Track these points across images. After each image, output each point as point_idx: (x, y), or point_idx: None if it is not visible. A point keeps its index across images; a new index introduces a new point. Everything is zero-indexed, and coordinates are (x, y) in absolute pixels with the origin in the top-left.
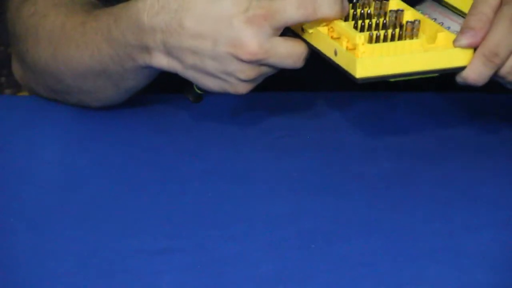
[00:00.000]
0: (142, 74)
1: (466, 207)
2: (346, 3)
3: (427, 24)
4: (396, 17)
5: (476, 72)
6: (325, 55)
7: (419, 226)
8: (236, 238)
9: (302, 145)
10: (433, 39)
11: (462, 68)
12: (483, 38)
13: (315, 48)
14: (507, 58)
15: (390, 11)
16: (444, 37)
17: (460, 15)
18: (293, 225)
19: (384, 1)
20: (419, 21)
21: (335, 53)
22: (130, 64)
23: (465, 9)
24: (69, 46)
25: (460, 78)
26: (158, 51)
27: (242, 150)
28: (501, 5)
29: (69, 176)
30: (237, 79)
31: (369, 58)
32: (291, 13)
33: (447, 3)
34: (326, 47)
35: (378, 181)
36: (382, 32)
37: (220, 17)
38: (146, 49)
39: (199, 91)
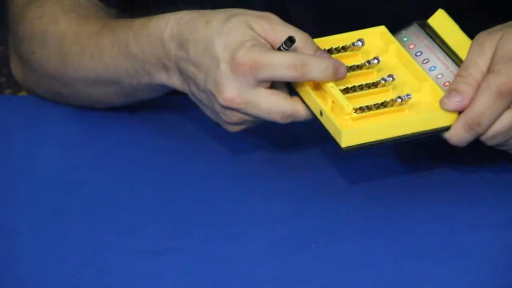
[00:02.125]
0: (157, 89)
1: (466, 207)
2: (342, 69)
3: (412, 69)
4: (385, 83)
5: (458, 136)
6: (310, 109)
7: (419, 226)
8: (236, 238)
9: (302, 145)
10: (418, 86)
11: (446, 128)
12: (469, 103)
13: (302, 99)
14: (488, 127)
15: (382, 78)
16: (429, 88)
17: (445, 51)
18: (293, 225)
19: (374, 63)
20: (410, 96)
21: (321, 114)
22: (146, 79)
23: (448, 40)
24: (82, 54)
25: (443, 137)
26: (173, 72)
27: (242, 150)
28: (488, 70)
29: (69, 176)
30: (223, 120)
31: (355, 129)
32: (279, 71)
33: (431, 28)
34: (311, 103)
35: (378, 181)
36: (370, 102)
37: (213, 57)
38: (164, 68)
39: None
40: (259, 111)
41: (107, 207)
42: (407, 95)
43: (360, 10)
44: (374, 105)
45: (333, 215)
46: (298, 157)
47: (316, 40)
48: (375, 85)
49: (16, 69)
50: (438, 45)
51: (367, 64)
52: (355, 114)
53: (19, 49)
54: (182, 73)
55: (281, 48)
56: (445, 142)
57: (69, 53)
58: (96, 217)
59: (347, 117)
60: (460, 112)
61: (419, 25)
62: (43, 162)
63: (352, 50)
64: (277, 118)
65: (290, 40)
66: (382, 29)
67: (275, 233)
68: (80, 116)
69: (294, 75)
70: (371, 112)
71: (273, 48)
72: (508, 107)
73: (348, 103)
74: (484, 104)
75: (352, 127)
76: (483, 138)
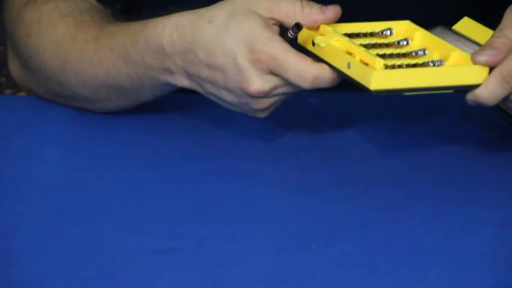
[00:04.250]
0: (161, 90)
1: (466, 207)
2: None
3: (440, 45)
4: (416, 56)
5: (489, 90)
6: (337, 68)
7: (419, 226)
8: (236, 238)
9: (302, 145)
10: (446, 58)
11: (476, 86)
12: (502, 60)
13: (326, 62)
14: None
15: (414, 51)
16: (458, 56)
17: (475, 43)
18: (293, 225)
19: (403, 43)
20: (443, 62)
21: (348, 66)
22: (150, 82)
23: (477, 39)
24: (81, 61)
25: (472, 95)
26: (180, 74)
27: (242, 150)
28: None
29: (69, 176)
30: (252, 109)
31: (385, 71)
32: (291, 77)
33: (458, 32)
34: (338, 60)
35: (378, 181)
36: (402, 61)
37: (226, 53)
38: (169, 71)
39: None
40: (288, 89)
41: (107, 206)
42: (440, 61)
43: (364, 7)
44: (406, 65)
45: (333, 215)
46: (298, 157)
47: (343, 24)
48: (405, 55)
49: (14, 69)
50: (467, 39)
51: (397, 44)
52: (385, 70)
53: (18, 51)
54: (192, 76)
55: (290, 34)
56: (470, 106)
57: (67, 58)
58: (96, 217)
59: (378, 65)
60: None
61: (445, 27)
62: (43, 162)
63: (380, 38)
64: (306, 84)
65: (297, 27)
66: (407, 22)
67: (275, 233)
68: (80, 116)
69: (298, 83)
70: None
71: (281, 25)
72: None
73: (379, 58)
74: None
75: (382, 70)
76: None
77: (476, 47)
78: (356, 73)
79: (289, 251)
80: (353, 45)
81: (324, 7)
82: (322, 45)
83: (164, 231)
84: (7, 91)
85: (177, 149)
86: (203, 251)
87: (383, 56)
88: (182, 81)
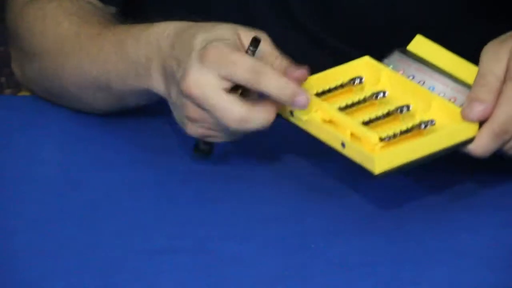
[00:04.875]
0: (142, 98)
1: (466, 207)
2: (302, 99)
3: (417, 91)
4: (402, 114)
5: (484, 147)
6: (325, 143)
7: (419, 226)
8: (236, 238)
9: (302, 145)
10: (427, 107)
11: (470, 140)
12: (492, 111)
13: (313, 135)
14: None
15: (400, 109)
16: (439, 105)
17: (438, 72)
18: (293, 225)
19: (380, 96)
20: (434, 122)
21: (343, 146)
22: (132, 82)
23: (437, 62)
24: (80, 52)
25: (466, 150)
26: (158, 73)
27: (241, 150)
28: (505, 78)
29: (69, 176)
30: (183, 115)
31: (385, 153)
32: (239, 72)
33: (413, 53)
34: (328, 137)
35: (378, 181)
36: (396, 131)
37: (190, 48)
38: (152, 69)
39: (203, 147)
40: (212, 107)
41: (107, 206)
42: (431, 121)
43: (362, 7)
44: (400, 132)
45: (333, 215)
46: (298, 157)
47: (309, 78)
48: (389, 115)
49: (17, 68)
50: (428, 67)
51: (375, 98)
52: (381, 143)
53: (21, 50)
54: (166, 72)
55: (248, 51)
56: (466, 156)
57: (68, 53)
58: (96, 217)
59: (376, 146)
60: (481, 123)
61: (402, 52)
62: (43, 162)
63: (351, 88)
64: (230, 120)
65: (255, 40)
66: (366, 59)
67: (275, 233)
68: (80, 116)
69: (250, 79)
70: (395, 139)
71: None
72: None
73: (374, 133)
74: (510, 110)
75: (382, 152)
76: (506, 147)
77: (442, 78)
78: (353, 154)
79: (289, 251)
80: (336, 113)
81: (291, 68)
82: (304, 118)
83: (164, 231)
84: (7, 91)
85: (177, 149)
86: (203, 251)
87: (370, 122)
88: (160, 84)
